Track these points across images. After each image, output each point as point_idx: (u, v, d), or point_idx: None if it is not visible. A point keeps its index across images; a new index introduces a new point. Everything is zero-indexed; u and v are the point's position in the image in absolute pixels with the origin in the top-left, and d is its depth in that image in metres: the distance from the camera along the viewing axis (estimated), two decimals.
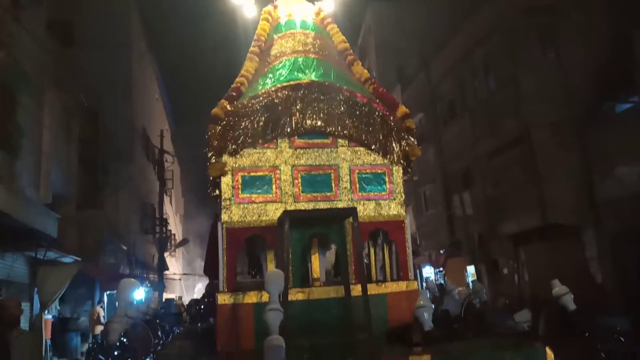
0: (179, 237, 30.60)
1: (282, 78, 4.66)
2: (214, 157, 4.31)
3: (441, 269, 19.96)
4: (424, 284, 5.39)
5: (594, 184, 13.22)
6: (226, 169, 4.27)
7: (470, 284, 5.93)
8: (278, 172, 4.33)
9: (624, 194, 12.05)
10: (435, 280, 20.26)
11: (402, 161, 4.54)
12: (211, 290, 5.85)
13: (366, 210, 4.36)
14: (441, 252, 19.99)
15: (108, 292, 15.05)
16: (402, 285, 4.20)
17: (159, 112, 27.77)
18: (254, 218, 4.20)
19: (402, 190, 4.53)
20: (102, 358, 7.79)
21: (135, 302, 3.64)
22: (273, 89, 4.51)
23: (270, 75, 4.78)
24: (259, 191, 4.28)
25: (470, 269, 18.26)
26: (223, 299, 3.93)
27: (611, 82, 12.42)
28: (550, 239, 14.23)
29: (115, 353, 5.93)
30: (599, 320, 10.46)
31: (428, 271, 21.32)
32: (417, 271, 19.76)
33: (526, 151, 14.50)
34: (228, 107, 4.37)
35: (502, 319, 12.53)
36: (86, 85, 14.33)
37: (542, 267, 14.48)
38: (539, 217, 13.86)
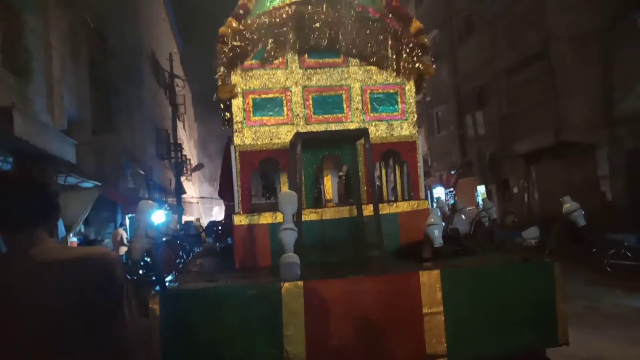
0: (194, 162, 30.99)
1: None
2: (223, 79, 4.26)
3: (452, 189, 20.16)
4: (435, 204, 5.45)
5: (613, 100, 12.91)
6: (236, 90, 4.23)
7: (481, 203, 6.01)
8: (289, 93, 4.29)
9: None
10: (445, 200, 20.56)
11: (415, 80, 4.44)
12: (228, 212, 6.02)
13: (378, 131, 4.34)
14: (452, 172, 20.10)
15: (129, 215, 15.56)
16: (413, 205, 4.27)
17: (166, 33, 27.08)
18: (266, 141, 4.22)
19: (414, 110, 4.48)
20: (128, 276, 8.22)
21: (155, 224, 3.77)
22: (282, 4, 4.35)
23: None
24: (270, 113, 4.26)
25: (481, 189, 18.43)
26: (239, 220, 4.05)
27: None
28: (563, 157, 14.19)
29: (140, 272, 6.25)
30: (607, 235, 10.70)
31: (439, 191, 21.58)
32: (428, 191, 19.98)
33: (545, 67, 14.07)
34: (236, 25, 4.24)
35: (510, 235, 12.87)
36: (90, 5, 13.92)
37: (552, 186, 14.59)
38: (553, 135, 13.73)
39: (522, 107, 15.34)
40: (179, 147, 22.72)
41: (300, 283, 3.04)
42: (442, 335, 3.06)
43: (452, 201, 19.47)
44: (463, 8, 18.91)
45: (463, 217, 5.40)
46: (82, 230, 14.02)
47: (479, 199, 18.26)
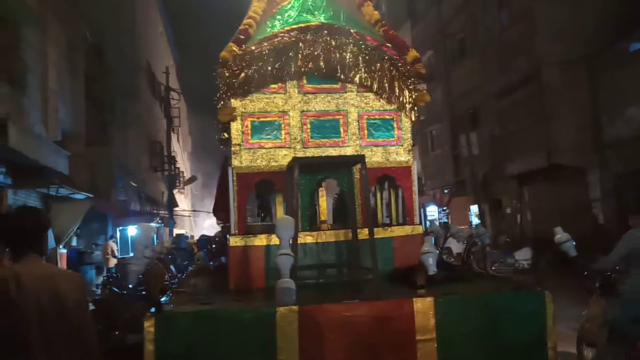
0: (187, 174, 30.95)
1: (290, 20, 4.57)
2: (223, 102, 4.33)
3: (445, 207, 20.28)
4: (428, 226, 5.51)
5: (601, 124, 13.15)
6: (235, 114, 4.30)
7: (474, 222, 6.13)
8: (287, 117, 4.36)
9: (631, 135, 12.02)
10: (439, 218, 20.66)
11: (410, 107, 4.53)
12: (223, 232, 6.05)
13: (374, 156, 4.42)
14: (445, 191, 20.24)
15: (120, 228, 15.50)
16: (407, 229, 4.33)
17: (163, 46, 27.24)
18: (264, 163, 4.28)
19: (410, 137, 4.56)
20: (117, 290, 8.19)
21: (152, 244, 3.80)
22: (281, 31, 4.44)
23: (279, 17, 4.69)
24: (268, 137, 4.33)
25: (474, 208, 18.56)
26: (235, 241, 4.09)
27: (626, 19, 12.03)
28: (554, 180, 14.38)
29: (130, 286, 6.23)
30: (598, 260, 10.79)
31: (432, 210, 21.69)
32: (422, 209, 20.09)
33: (535, 91, 14.34)
34: (236, 50, 4.33)
35: (503, 255, 12.93)
36: (89, 19, 14.03)
37: (544, 207, 14.75)
38: (544, 157, 13.95)
39: (514, 129, 15.58)
40: (172, 160, 22.72)
41: (295, 308, 3.08)
42: None
43: (445, 219, 19.57)
44: (457, 30, 19.24)
45: (459, 239, 5.46)
46: (74, 242, 13.93)
47: (472, 218, 18.39)
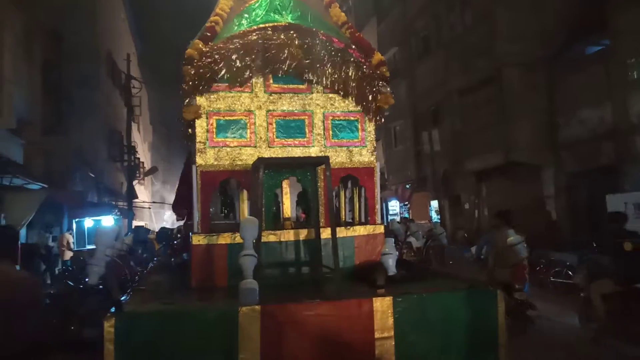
0: (147, 165, 30.29)
1: (258, 19, 4.58)
2: (188, 99, 4.29)
3: (406, 202, 20.64)
4: (389, 224, 5.66)
5: (557, 125, 13.67)
6: (200, 111, 4.27)
7: (433, 225, 6.35)
8: (253, 116, 4.37)
9: (584, 136, 12.56)
10: (400, 213, 21.02)
11: (375, 109, 4.62)
12: (185, 228, 6.01)
13: (338, 156, 4.49)
14: (407, 186, 20.58)
15: (77, 220, 15.07)
16: (369, 229, 4.43)
17: (124, 33, 26.46)
18: (229, 162, 4.28)
19: (374, 138, 4.66)
20: (71, 284, 8.02)
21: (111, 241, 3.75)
22: (249, 30, 4.44)
23: (246, 15, 4.69)
24: (233, 135, 4.33)
25: (434, 204, 18.97)
26: (197, 239, 4.09)
27: (583, 23, 12.51)
28: (511, 177, 14.87)
29: (86, 280, 6.12)
30: (551, 254, 11.28)
31: (394, 205, 22.01)
32: (383, 204, 20.39)
33: (496, 90, 14.76)
34: (203, 48, 4.30)
35: (460, 250, 13.31)
36: (47, 4, 13.51)
37: (501, 203, 15.21)
38: (502, 155, 14.40)
39: (474, 127, 15.99)
40: (132, 150, 22.18)
41: (258, 307, 3.12)
42: (392, 359, 3.21)
43: (406, 214, 19.92)
44: (422, 28, 19.52)
45: (418, 237, 5.63)
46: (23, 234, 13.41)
47: (432, 213, 18.81)
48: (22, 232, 12.50)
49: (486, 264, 6.98)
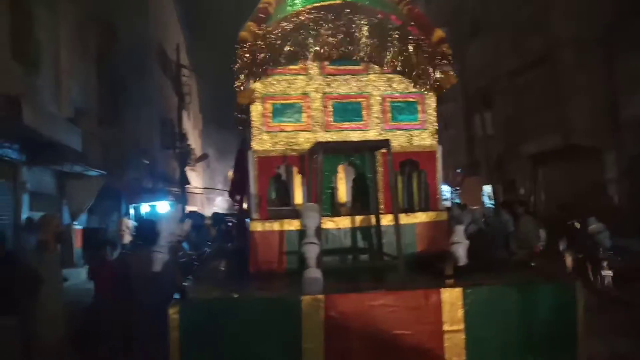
0: (198, 152, 30.94)
1: None
2: (242, 83, 4.21)
3: (457, 188, 20.11)
4: (450, 209, 5.42)
5: (618, 104, 12.87)
6: (255, 96, 4.19)
7: (487, 202, 6.27)
8: (309, 100, 4.25)
9: None
10: (451, 199, 20.51)
11: (435, 89, 4.40)
12: (240, 214, 5.99)
13: (397, 140, 4.31)
14: (458, 171, 20.03)
15: (133, 205, 15.56)
16: (431, 216, 4.25)
17: (174, 23, 26.91)
18: (285, 147, 4.19)
19: (434, 120, 4.45)
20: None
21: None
22: (303, 10, 4.29)
23: None
24: (289, 119, 4.23)
25: (487, 189, 18.36)
26: (255, 226, 4.04)
27: None
28: (570, 160, 14.16)
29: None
30: (615, 241, 10.67)
31: (445, 190, 21.47)
32: None
33: (551, 70, 14.03)
34: (256, 30, 4.19)
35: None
36: None
37: (558, 188, 14.57)
38: (560, 137, 13.72)
39: (529, 108, 15.30)
40: (184, 137, 22.65)
41: (321, 297, 3.04)
42: (462, 353, 3.06)
43: (457, 200, 19.42)
44: (472, 7, 18.80)
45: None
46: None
47: (485, 199, 18.23)
48: (83, 217, 13.06)
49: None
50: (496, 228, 8.49)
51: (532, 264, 5.98)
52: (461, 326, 3.06)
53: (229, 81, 4.32)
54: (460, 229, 3.24)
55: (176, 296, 3.05)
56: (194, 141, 31.59)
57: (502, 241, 7.71)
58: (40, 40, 10.12)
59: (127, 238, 13.75)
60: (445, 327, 3.07)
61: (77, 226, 12.67)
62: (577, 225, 5.78)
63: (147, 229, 4.50)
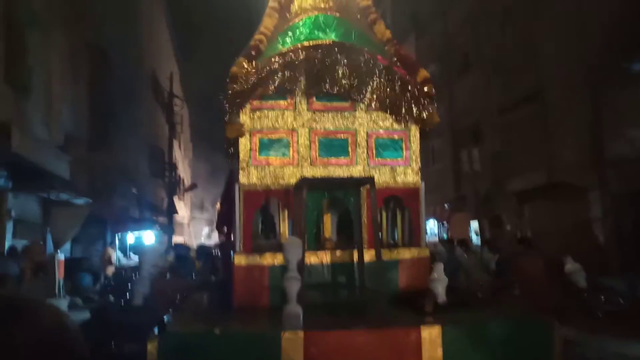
0: (187, 181, 30.87)
1: (302, 37, 4.55)
2: (231, 117, 4.29)
3: (445, 222, 20.20)
4: (432, 245, 5.47)
5: (603, 144, 13.13)
6: (243, 129, 4.26)
7: (474, 237, 6.27)
8: (296, 135, 4.33)
9: (632, 155, 12.00)
10: (438, 234, 20.57)
11: (419, 127, 4.51)
12: (224, 247, 5.99)
13: (382, 176, 4.38)
14: (445, 206, 20.16)
15: (119, 234, 15.38)
16: (413, 252, 4.29)
17: (168, 53, 27.26)
18: (271, 181, 4.24)
19: (418, 157, 4.53)
20: (113, 298, 8.12)
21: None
22: (292, 48, 4.42)
23: (290, 34, 4.67)
24: (276, 154, 4.29)
25: (474, 224, 18.47)
26: (240, 259, 4.04)
27: (630, 40, 12.06)
28: (555, 198, 14.32)
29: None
30: (599, 281, 10.72)
31: (431, 225, 21.56)
32: None
33: (538, 108, 14.36)
34: (247, 66, 4.31)
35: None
36: (93, 23, 14.03)
37: (544, 225, 14.68)
38: (545, 175, 13.93)
39: (515, 145, 15.58)
40: (173, 167, 22.63)
41: (301, 333, 3.03)
42: None
43: (445, 235, 19.47)
44: (462, 44, 19.31)
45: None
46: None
47: (472, 234, 18.31)
48: (67, 246, 12.85)
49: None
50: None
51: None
52: None
53: (222, 112, 4.40)
54: (440, 266, 3.28)
55: (155, 329, 3.02)
56: (184, 170, 31.57)
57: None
58: (31, 65, 10.17)
59: (110, 269, 13.53)
60: None
61: (60, 256, 12.47)
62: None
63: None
